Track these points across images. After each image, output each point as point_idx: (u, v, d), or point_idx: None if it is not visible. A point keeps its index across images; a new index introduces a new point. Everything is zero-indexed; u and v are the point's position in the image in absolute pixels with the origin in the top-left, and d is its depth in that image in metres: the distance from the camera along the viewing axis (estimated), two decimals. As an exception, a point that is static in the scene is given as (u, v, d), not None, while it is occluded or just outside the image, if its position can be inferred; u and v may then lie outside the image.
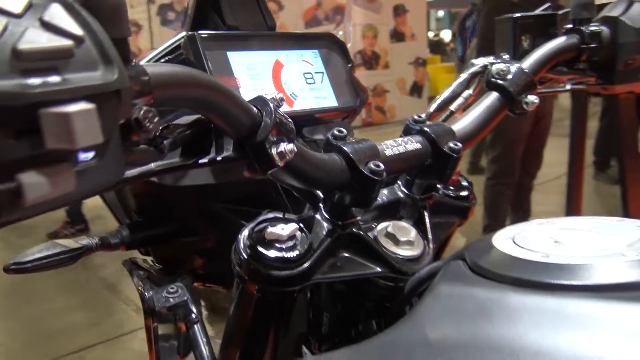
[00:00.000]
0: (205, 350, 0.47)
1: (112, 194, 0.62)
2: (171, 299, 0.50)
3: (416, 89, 8.54)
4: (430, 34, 11.81)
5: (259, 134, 0.34)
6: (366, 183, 0.40)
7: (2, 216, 0.21)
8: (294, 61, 0.53)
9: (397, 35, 8.13)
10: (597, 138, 3.96)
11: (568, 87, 0.64)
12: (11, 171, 0.21)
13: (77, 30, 0.23)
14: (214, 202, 0.56)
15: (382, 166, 0.40)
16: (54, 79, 0.21)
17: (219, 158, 0.37)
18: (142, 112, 0.27)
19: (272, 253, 0.39)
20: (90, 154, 0.23)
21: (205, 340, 0.48)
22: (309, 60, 0.55)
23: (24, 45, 0.20)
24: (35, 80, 0.21)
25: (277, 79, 0.51)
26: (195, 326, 0.49)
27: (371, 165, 0.40)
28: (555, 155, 2.83)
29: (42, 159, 0.21)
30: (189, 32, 0.47)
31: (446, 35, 12.94)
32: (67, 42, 0.22)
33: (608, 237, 0.32)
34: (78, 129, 0.21)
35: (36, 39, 0.21)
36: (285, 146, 0.34)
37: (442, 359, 0.28)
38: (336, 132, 0.41)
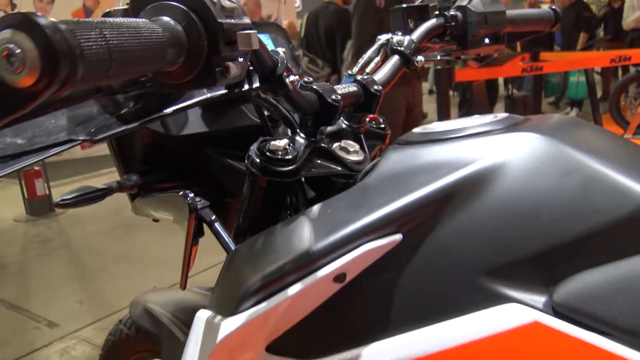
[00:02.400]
0: (226, 236, 0.67)
1: (121, 146, 0.78)
2: (199, 203, 0.68)
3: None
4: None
5: (278, 70, 0.55)
6: (330, 108, 0.63)
7: (215, 84, 0.42)
8: None
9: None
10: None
11: (438, 57, 0.92)
12: (224, 60, 0.42)
13: None
14: (207, 147, 0.76)
15: (340, 97, 0.64)
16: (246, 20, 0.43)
17: (254, 86, 0.57)
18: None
19: (275, 156, 0.61)
20: (242, 59, 0.44)
21: (227, 233, 0.68)
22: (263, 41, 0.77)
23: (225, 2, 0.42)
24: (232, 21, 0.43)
25: None
26: (216, 223, 0.68)
27: (333, 97, 0.63)
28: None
29: (234, 55, 0.42)
30: None
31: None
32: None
33: (477, 120, 0.59)
34: (253, 42, 0.43)
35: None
36: (292, 77, 0.56)
37: (390, 183, 0.52)
38: (307, 79, 0.64)
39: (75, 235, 3.84)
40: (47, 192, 4.31)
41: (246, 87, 0.55)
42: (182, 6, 0.41)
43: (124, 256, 3.29)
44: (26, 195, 4.24)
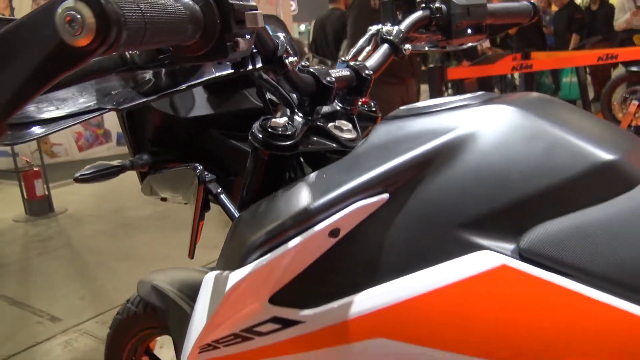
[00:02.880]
0: (231, 207, 0.74)
1: (133, 127, 0.85)
2: (207, 176, 0.75)
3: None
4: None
5: (279, 51, 0.62)
6: (325, 89, 0.70)
7: (227, 57, 0.48)
8: None
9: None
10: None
11: (426, 48, 0.99)
12: (234, 36, 0.48)
13: None
14: (212, 129, 0.83)
15: (334, 79, 0.70)
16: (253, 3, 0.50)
17: (257, 66, 0.63)
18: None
19: (276, 132, 0.67)
20: (248, 36, 0.50)
21: (232, 204, 0.74)
22: None
23: None
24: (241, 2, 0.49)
25: None
26: (222, 195, 0.75)
27: (328, 78, 0.70)
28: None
29: (243, 32, 0.49)
30: None
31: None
32: None
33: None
34: (259, 21, 0.49)
35: None
36: (292, 59, 0.63)
37: (378, 150, 0.59)
38: (304, 63, 0.71)
39: (75, 234, 3.90)
40: (47, 192, 4.36)
41: (250, 67, 0.62)
42: None
43: (123, 255, 3.34)
44: (25, 196, 4.29)
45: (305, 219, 0.56)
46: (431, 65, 3.15)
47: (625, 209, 0.50)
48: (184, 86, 0.63)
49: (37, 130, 0.55)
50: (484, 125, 0.57)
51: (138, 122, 0.85)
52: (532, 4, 0.97)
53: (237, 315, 0.63)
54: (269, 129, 0.67)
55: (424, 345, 0.54)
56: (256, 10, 0.50)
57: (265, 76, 0.69)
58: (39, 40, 0.38)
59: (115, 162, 0.79)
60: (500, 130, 0.57)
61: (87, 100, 0.57)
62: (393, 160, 0.57)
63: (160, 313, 1.04)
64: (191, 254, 0.79)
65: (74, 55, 0.37)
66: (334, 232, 0.57)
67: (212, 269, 1.09)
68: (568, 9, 6.77)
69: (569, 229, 0.51)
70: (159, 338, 1.25)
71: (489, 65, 3.59)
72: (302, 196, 0.59)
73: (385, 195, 0.56)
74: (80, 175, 0.77)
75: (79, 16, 0.36)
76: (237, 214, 0.72)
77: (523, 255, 0.51)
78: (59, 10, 0.36)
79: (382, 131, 0.63)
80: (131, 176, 0.91)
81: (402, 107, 0.67)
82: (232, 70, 0.62)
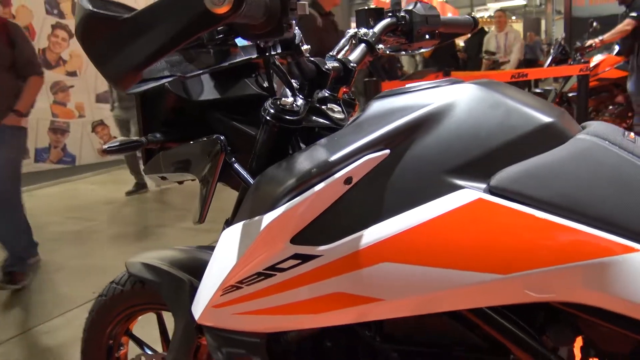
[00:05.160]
0: (244, 173, 0.87)
1: (147, 108, 0.96)
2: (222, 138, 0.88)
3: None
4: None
5: (297, 39, 0.76)
6: (324, 75, 0.85)
7: (282, 35, 0.63)
8: None
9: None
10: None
11: (387, 52, 1.18)
12: (288, 20, 0.64)
13: None
14: (217, 112, 0.96)
15: (331, 68, 0.86)
16: None
17: (277, 52, 0.77)
18: None
19: (286, 108, 0.82)
20: (294, 21, 0.65)
21: (245, 170, 0.87)
22: None
23: None
24: None
25: None
26: (236, 164, 0.88)
27: (326, 66, 0.86)
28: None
29: (293, 17, 0.64)
30: None
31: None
32: None
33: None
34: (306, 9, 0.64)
35: None
36: (306, 46, 0.78)
37: (378, 117, 0.75)
38: (306, 55, 0.86)
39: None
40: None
41: (273, 52, 0.76)
42: None
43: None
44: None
45: (327, 168, 0.71)
46: (366, 80, 3.44)
47: (564, 155, 0.70)
48: (225, 64, 0.77)
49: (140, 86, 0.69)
50: (458, 98, 0.75)
51: (151, 104, 0.95)
52: (473, 17, 1.19)
53: (262, 255, 0.76)
54: (280, 106, 0.82)
55: (419, 265, 0.70)
56: (302, 0, 0.66)
57: (277, 62, 0.84)
58: (185, 7, 0.51)
59: (134, 138, 0.90)
60: (469, 101, 0.75)
61: (159, 68, 0.69)
62: (391, 124, 0.73)
63: (152, 285, 1.13)
64: (203, 218, 0.90)
65: (212, 19, 0.51)
66: (348, 180, 0.72)
67: (198, 247, 1.20)
68: (479, 36, 7.41)
69: (525, 170, 0.69)
70: (139, 318, 1.32)
71: (418, 80, 3.93)
72: (323, 152, 0.73)
73: (387, 151, 0.73)
74: (108, 147, 0.88)
75: None
76: (249, 178, 0.85)
77: (492, 191, 0.69)
78: None
79: (377, 105, 0.79)
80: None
81: (386, 90, 0.84)
82: (257, 55, 0.77)
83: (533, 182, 0.68)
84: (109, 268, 1.98)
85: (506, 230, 0.68)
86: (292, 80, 0.88)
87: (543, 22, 18.37)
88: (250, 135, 0.95)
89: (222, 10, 0.51)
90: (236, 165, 0.87)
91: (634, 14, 4.62)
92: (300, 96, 0.87)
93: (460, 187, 0.70)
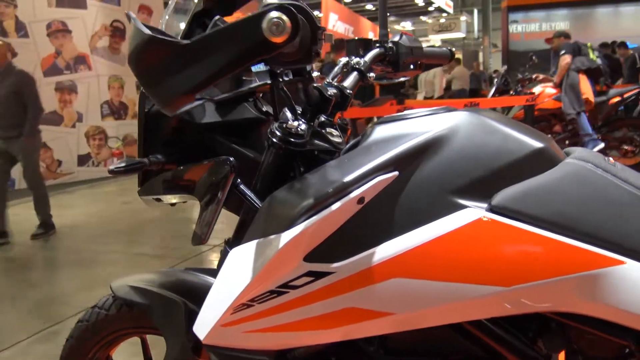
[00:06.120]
0: (250, 194, 0.89)
1: (149, 130, 0.97)
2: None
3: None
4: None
5: (308, 67, 0.81)
6: (326, 101, 0.90)
7: (310, 62, 0.66)
8: None
9: (144, 86, 8.37)
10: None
11: (372, 81, 1.25)
12: (316, 48, 0.69)
13: None
14: (218, 134, 0.98)
15: (332, 94, 0.91)
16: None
17: (288, 78, 0.81)
18: None
19: (292, 132, 0.86)
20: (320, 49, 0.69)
21: (251, 194, 0.89)
22: None
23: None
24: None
25: None
26: (241, 185, 0.90)
27: (329, 92, 0.90)
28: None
29: (320, 46, 0.68)
30: None
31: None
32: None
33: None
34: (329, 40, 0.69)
35: None
36: (316, 73, 0.82)
37: (385, 141, 0.80)
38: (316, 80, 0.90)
39: None
40: None
41: (286, 78, 0.80)
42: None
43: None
44: None
45: (343, 189, 0.75)
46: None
47: (557, 177, 0.77)
48: (245, 88, 0.80)
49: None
50: (458, 124, 0.81)
51: (154, 126, 0.97)
52: (450, 50, 1.27)
53: (275, 273, 0.78)
54: (287, 130, 0.86)
55: (428, 279, 0.75)
56: (325, 30, 0.70)
57: (284, 87, 0.88)
58: (244, 36, 0.54)
59: (138, 159, 0.91)
60: (468, 127, 0.81)
61: None
62: (400, 148, 0.79)
63: (141, 308, 1.12)
64: (206, 239, 0.92)
65: (269, 48, 0.54)
66: (360, 200, 0.76)
67: (185, 270, 1.20)
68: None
69: (523, 191, 0.76)
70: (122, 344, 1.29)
71: (377, 107, 4.11)
72: (336, 174, 0.78)
73: (396, 172, 0.78)
74: (115, 168, 0.88)
75: (282, 22, 0.53)
76: (256, 199, 0.88)
77: (494, 210, 0.75)
78: (268, 16, 0.54)
79: (382, 129, 0.84)
80: None
81: (386, 116, 0.90)
82: (270, 80, 0.81)
83: (531, 202, 0.75)
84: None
85: (507, 246, 0.74)
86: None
87: (480, 55, 19.33)
88: (248, 157, 0.98)
89: (280, 39, 0.55)
90: (242, 187, 0.89)
91: (563, 51, 5.55)
92: (303, 120, 0.91)
93: (464, 207, 0.76)
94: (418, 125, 0.83)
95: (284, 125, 0.86)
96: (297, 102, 0.91)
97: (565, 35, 6.00)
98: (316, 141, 0.93)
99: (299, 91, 0.86)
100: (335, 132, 0.96)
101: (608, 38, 8.89)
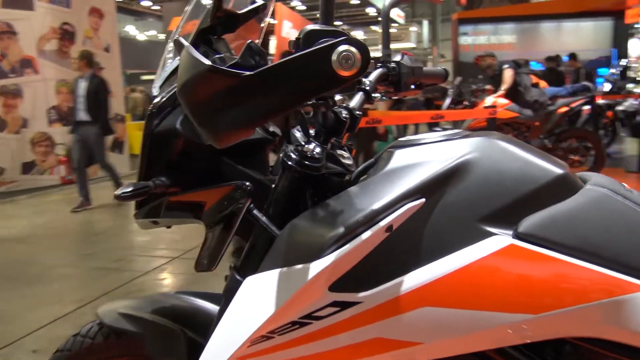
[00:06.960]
0: (265, 219, 0.85)
1: (153, 152, 0.92)
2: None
3: (117, 145, 8.60)
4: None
5: None
6: (341, 124, 0.88)
7: (354, 90, 0.64)
8: None
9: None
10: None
11: (378, 98, 1.24)
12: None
13: None
14: (223, 156, 0.94)
15: (348, 117, 0.89)
16: None
17: (311, 101, 0.78)
18: None
19: (308, 156, 0.83)
20: None
21: (265, 219, 0.86)
22: None
23: None
24: None
25: None
26: (254, 211, 0.86)
27: (344, 115, 0.88)
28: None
29: None
30: None
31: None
32: None
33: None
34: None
35: None
36: (338, 97, 0.80)
37: (408, 167, 0.79)
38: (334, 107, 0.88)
39: None
40: None
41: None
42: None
43: None
44: None
45: (372, 217, 0.73)
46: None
47: (580, 204, 0.78)
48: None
49: None
50: (480, 151, 0.81)
51: (159, 147, 0.92)
52: (445, 70, 1.28)
53: (299, 304, 0.75)
54: (303, 153, 0.83)
55: (458, 308, 0.74)
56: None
57: (301, 110, 0.85)
58: (313, 69, 0.51)
59: (143, 183, 0.86)
60: (491, 154, 0.81)
61: None
62: (426, 175, 0.77)
63: (132, 336, 1.06)
64: (216, 265, 0.88)
65: (337, 81, 0.52)
66: (389, 228, 0.74)
67: (181, 292, 1.15)
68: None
69: (549, 218, 0.76)
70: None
71: None
72: (364, 201, 0.75)
73: (423, 200, 0.76)
74: (122, 193, 0.82)
75: (352, 56, 0.51)
76: (272, 226, 0.85)
77: (520, 237, 0.75)
78: (338, 50, 0.51)
79: (402, 155, 0.83)
80: None
81: (401, 139, 0.88)
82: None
83: (557, 229, 0.75)
84: None
85: (535, 273, 0.74)
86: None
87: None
88: (255, 179, 0.95)
89: (349, 73, 0.52)
90: (255, 212, 0.86)
91: (506, 65, 5.95)
92: (316, 142, 0.88)
93: (491, 234, 0.75)
94: (439, 151, 0.82)
95: (301, 149, 0.83)
96: (313, 123, 0.88)
97: (492, 55, 6.49)
98: (329, 164, 0.90)
99: (317, 114, 0.84)
100: (345, 154, 0.94)
101: (552, 52, 9.34)
